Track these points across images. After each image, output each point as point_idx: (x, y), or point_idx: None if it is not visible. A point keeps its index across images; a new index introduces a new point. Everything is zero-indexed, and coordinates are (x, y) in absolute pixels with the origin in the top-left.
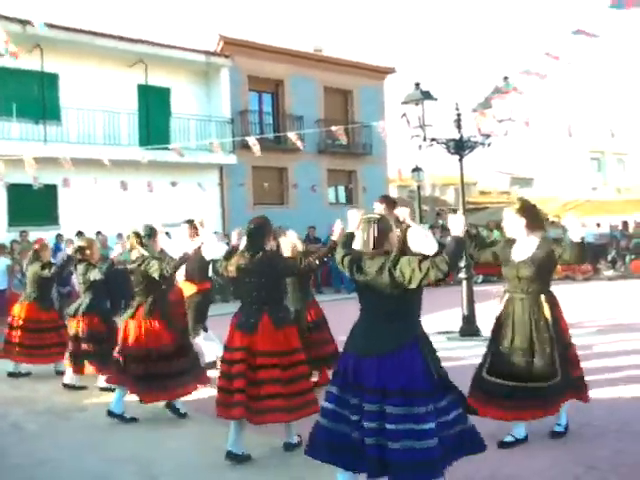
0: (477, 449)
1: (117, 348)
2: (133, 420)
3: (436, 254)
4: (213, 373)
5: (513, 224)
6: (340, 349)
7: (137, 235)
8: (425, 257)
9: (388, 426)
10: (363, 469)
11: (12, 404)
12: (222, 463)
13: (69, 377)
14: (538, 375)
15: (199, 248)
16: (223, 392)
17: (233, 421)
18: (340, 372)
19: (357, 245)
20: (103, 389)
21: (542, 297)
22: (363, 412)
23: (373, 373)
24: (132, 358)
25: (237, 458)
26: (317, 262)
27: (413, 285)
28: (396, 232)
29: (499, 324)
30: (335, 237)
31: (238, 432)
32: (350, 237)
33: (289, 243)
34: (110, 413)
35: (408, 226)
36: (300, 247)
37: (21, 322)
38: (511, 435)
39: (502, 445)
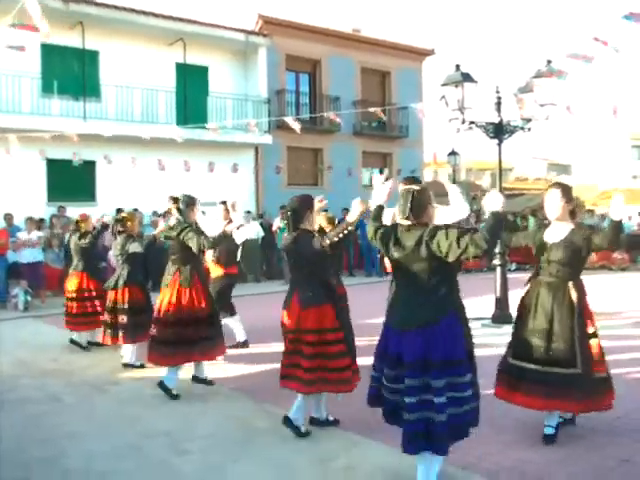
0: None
1: (153, 323)
2: (177, 397)
3: (475, 230)
4: (243, 351)
5: (555, 204)
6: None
7: (175, 201)
8: (464, 232)
9: (436, 399)
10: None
11: (50, 375)
12: (252, 440)
13: (127, 357)
14: (556, 359)
15: (230, 231)
16: (282, 365)
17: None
18: (381, 346)
19: (390, 218)
20: (127, 365)
21: (570, 283)
22: (403, 386)
23: (415, 346)
24: (164, 323)
25: (317, 422)
26: (328, 241)
27: (450, 259)
28: (435, 206)
29: (524, 306)
30: (351, 218)
31: (316, 402)
32: (380, 210)
33: (322, 220)
34: (161, 384)
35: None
36: (325, 226)
37: (75, 294)
38: (549, 426)
39: (547, 439)
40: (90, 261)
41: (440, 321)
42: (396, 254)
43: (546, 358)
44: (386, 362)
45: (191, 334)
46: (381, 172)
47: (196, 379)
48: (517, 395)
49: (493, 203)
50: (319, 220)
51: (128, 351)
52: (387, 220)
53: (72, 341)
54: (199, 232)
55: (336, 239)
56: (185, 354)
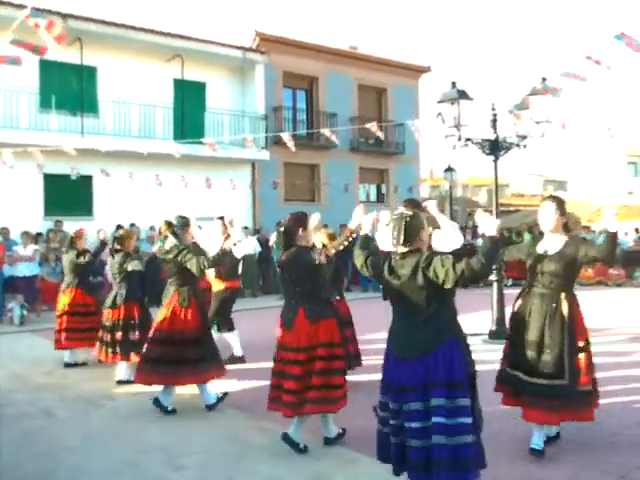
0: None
1: (147, 341)
2: (173, 412)
3: (471, 254)
4: (240, 367)
5: (549, 216)
6: (362, 347)
7: (170, 225)
8: (459, 258)
9: (434, 419)
10: (404, 469)
11: (43, 390)
12: (249, 456)
13: (122, 373)
14: (545, 372)
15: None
16: (274, 389)
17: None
18: (385, 379)
19: (386, 243)
20: (121, 382)
21: (562, 295)
22: (404, 413)
23: (415, 372)
24: (155, 342)
25: (332, 441)
26: (332, 251)
27: (448, 286)
28: (428, 230)
29: (516, 317)
30: (352, 225)
31: (324, 421)
32: (366, 239)
33: (323, 237)
34: (155, 401)
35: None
36: (326, 242)
37: (67, 308)
38: (537, 444)
39: (533, 453)
40: (86, 278)
41: (440, 347)
42: (391, 283)
43: (536, 369)
44: (391, 394)
45: (180, 354)
46: (378, 188)
47: (156, 402)
48: (518, 402)
49: (489, 227)
50: (320, 237)
51: (122, 368)
52: (383, 225)
53: (67, 365)
54: (197, 253)
55: (341, 247)
56: (171, 375)
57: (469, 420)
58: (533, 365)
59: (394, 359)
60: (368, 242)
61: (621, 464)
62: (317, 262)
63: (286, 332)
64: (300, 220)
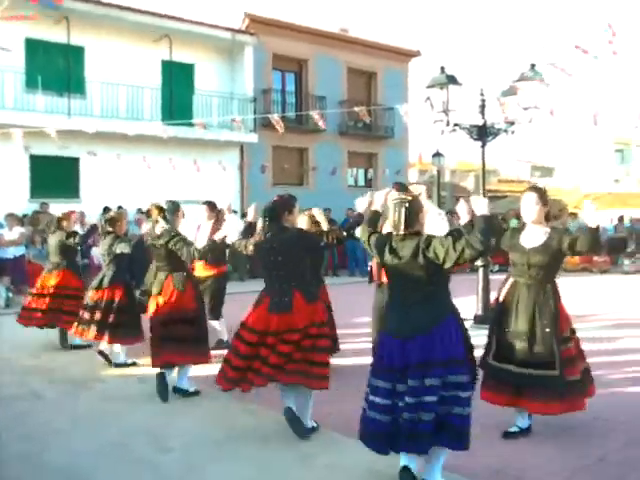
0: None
1: (150, 328)
2: (198, 393)
3: (460, 232)
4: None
5: (531, 207)
6: (349, 331)
7: (160, 209)
8: (458, 237)
9: (427, 398)
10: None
11: (31, 373)
12: (234, 439)
13: (122, 357)
14: (537, 362)
15: (216, 230)
16: (230, 367)
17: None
18: (381, 360)
19: (386, 227)
20: (118, 365)
21: (548, 286)
22: (410, 389)
23: (416, 351)
24: (160, 324)
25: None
26: (345, 233)
27: (448, 265)
28: (425, 213)
29: (503, 308)
30: (361, 209)
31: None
32: (375, 215)
33: (305, 222)
34: (176, 389)
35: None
36: (325, 226)
37: (52, 290)
38: (515, 425)
39: (506, 435)
40: (73, 259)
41: (438, 326)
42: (391, 262)
43: (528, 360)
44: (387, 375)
45: (178, 333)
46: (366, 172)
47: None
48: (502, 397)
49: (479, 207)
50: (302, 222)
51: (121, 352)
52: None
53: (73, 347)
54: (188, 242)
55: (345, 233)
56: (172, 353)
57: (466, 394)
58: (525, 356)
59: (391, 340)
60: (376, 218)
61: (599, 447)
62: (323, 244)
63: (275, 317)
64: (287, 202)
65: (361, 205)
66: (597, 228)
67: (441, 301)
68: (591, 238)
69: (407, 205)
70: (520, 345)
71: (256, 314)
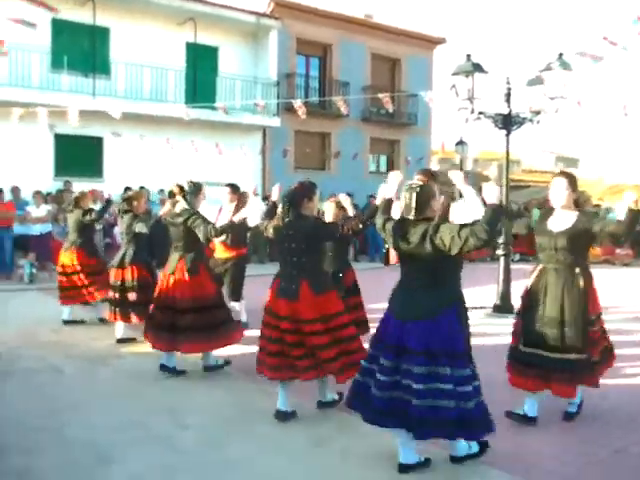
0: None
1: (153, 305)
2: (182, 373)
3: (474, 223)
4: (245, 332)
5: (561, 192)
6: (370, 316)
7: (181, 189)
8: (464, 224)
9: (440, 385)
10: (397, 426)
11: (52, 348)
12: (250, 419)
13: (121, 332)
14: (569, 346)
15: (239, 213)
16: (266, 354)
17: (281, 382)
18: (380, 335)
19: (398, 212)
20: (121, 340)
21: (577, 269)
22: (404, 373)
23: (417, 335)
24: (167, 308)
25: (282, 415)
26: (360, 225)
27: (453, 252)
28: (440, 199)
29: (532, 294)
30: (378, 201)
31: (284, 392)
32: (389, 203)
33: (332, 208)
34: (162, 367)
35: (452, 200)
36: (351, 212)
37: (66, 268)
38: (522, 409)
39: (508, 415)
40: (89, 238)
41: (441, 314)
42: (402, 247)
43: (559, 345)
44: (384, 351)
45: (202, 320)
46: (388, 159)
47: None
48: (530, 381)
49: (489, 195)
50: (329, 208)
51: (120, 327)
52: (396, 211)
53: (65, 322)
54: (206, 220)
55: (368, 222)
56: (176, 342)
57: (469, 388)
58: (556, 341)
59: (394, 320)
60: (389, 206)
61: (618, 438)
62: (339, 234)
63: (283, 302)
64: (308, 190)
65: (382, 193)
66: (638, 215)
67: (447, 289)
68: (630, 221)
69: (418, 191)
70: (550, 331)
71: (270, 297)
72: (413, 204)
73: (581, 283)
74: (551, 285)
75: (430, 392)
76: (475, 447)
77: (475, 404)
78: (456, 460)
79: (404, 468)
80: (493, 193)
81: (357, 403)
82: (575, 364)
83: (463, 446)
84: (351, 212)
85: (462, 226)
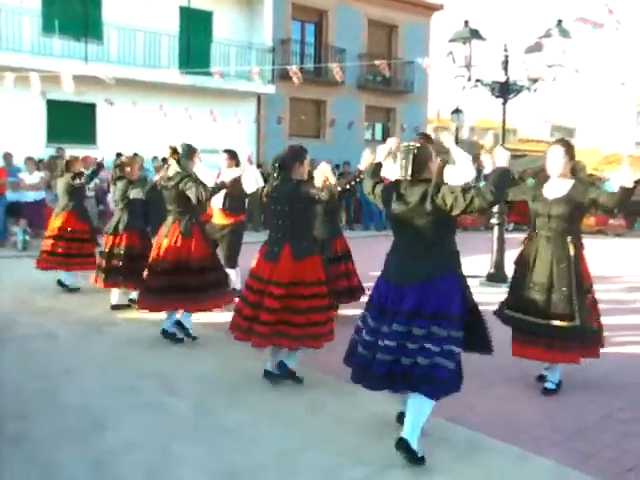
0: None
1: (146, 269)
2: (181, 340)
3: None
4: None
5: (558, 160)
6: (364, 284)
7: (175, 151)
8: (469, 186)
9: (427, 345)
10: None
11: (46, 314)
12: (245, 386)
13: (116, 298)
14: (556, 313)
15: (237, 179)
16: (241, 317)
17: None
18: (375, 299)
19: (394, 173)
20: (116, 307)
21: (569, 238)
22: (395, 335)
23: (411, 298)
24: (159, 272)
25: (272, 376)
26: (339, 188)
27: (455, 212)
28: (436, 161)
29: (523, 260)
30: (362, 166)
31: (274, 355)
32: (378, 167)
33: (321, 175)
34: (163, 332)
35: (445, 162)
36: (333, 180)
37: (56, 231)
38: (551, 382)
39: (546, 392)
40: (80, 202)
41: (439, 279)
42: (398, 209)
43: (545, 311)
44: (375, 312)
45: (195, 282)
46: (384, 127)
47: (179, 324)
48: (514, 346)
49: (499, 158)
50: (318, 176)
51: (115, 293)
52: (391, 173)
53: (60, 283)
54: (198, 182)
55: (347, 186)
56: (180, 301)
57: (458, 349)
58: (542, 307)
59: (388, 284)
60: (379, 170)
61: (607, 405)
62: (317, 198)
63: (268, 265)
64: (298, 154)
65: (364, 161)
66: (632, 189)
67: (445, 254)
68: (622, 195)
69: (415, 152)
70: (537, 296)
71: (257, 262)
72: (410, 165)
73: (572, 252)
74: (542, 252)
75: (401, 349)
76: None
77: (453, 366)
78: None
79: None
80: (503, 157)
81: (350, 362)
82: (567, 331)
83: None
84: (332, 180)
85: (467, 187)
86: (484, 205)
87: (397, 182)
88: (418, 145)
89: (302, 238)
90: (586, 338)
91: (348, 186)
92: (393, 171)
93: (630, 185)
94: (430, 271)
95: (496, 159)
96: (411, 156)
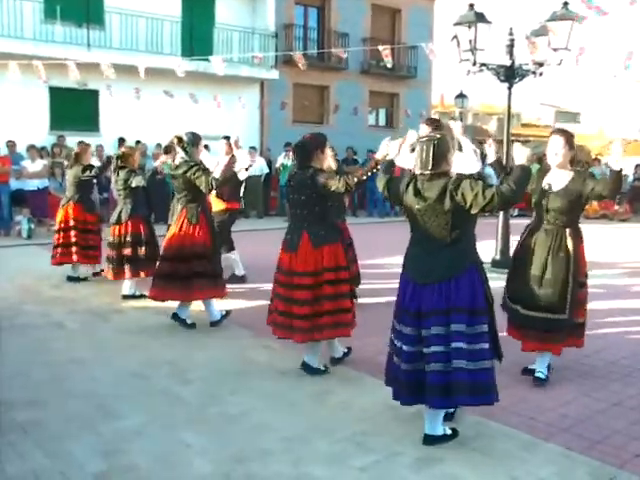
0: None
1: (159, 259)
2: (193, 326)
3: (480, 177)
4: (243, 286)
5: (557, 151)
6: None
7: (180, 140)
8: (489, 184)
9: (454, 344)
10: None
11: (53, 303)
12: (251, 373)
13: (127, 287)
14: (546, 305)
15: (231, 165)
16: (278, 313)
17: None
18: (399, 301)
19: (411, 165)
20: (126, 296)
21: (567, 230)
22: (424, 339)
23: (436, 297)
24: (166, 258)
25: (310, 370)
26: (355, 180)
27: (474, 210)
28: (454, 152)
29: (521, 251)
30: (379, 156)
31: (329, 343)
32: (391, 163)
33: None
34: (174, 316)
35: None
36: (333, 166)
37: (63, 224)
38: (540, 371)
39: (536, 382)
40: (87, 194)
41: (461, 273)
42: (416, 205)
43: (536, 304)
44: (408, 319)
45: (190, 269)
46: (387, 112)
47: (175, 317)
48: (509, 330)
49: (519, 156)
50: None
51: (127, 283)
52: (409, 143)
53: (70, 278)
54: (207, 171)
55: (364, 177)
56: (183, 290)
57: (487, 345)
58: (532, 299)
59: (412, 285)
60: (391, 167)
61: (615, 392)
62: (334, 189)
63: (290, 256)
64: (320, 141)
65: (384, 149)
66: (620, 171)
67: (464, 248)
68: (613, 181)
69: (435, 143)
70: (529, 288)
71: (280, 254)
72: (431, 157)
73: (570, 244)
74: (539, 245)
75: (447, 354)
76: (448, 430)
77: (490, 365)
78: (430, 441)
79: (429, 440)
80: (523, 154)
81: (389, 380)
82: (552, 323)
83: (440, 427)
84: (334, 166)
85: (487, 184)
86: (503, 204)
87: (414, 176)
88: (439, 136)
89: (320, 226)
90: (571, 330)
91: (365, 177)
92: (409, 161)
93: (616, 168)
94: (452, 267)
95: (515, 157)
96: (431, 147)
